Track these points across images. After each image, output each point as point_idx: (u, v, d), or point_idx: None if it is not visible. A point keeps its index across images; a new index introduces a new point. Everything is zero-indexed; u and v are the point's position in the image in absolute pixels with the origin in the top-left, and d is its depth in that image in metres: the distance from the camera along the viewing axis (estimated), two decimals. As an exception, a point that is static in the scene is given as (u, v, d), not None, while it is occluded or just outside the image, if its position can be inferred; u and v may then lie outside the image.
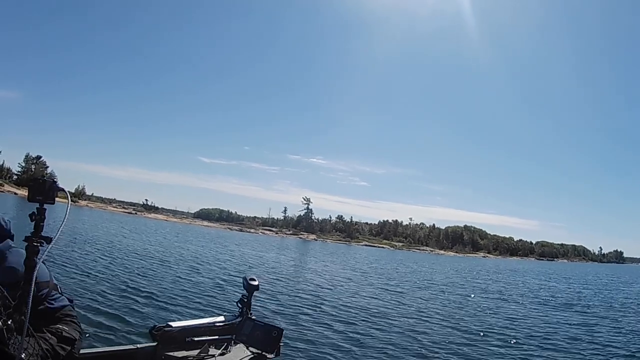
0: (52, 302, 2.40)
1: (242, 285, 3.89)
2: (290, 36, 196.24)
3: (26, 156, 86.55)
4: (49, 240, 1.87)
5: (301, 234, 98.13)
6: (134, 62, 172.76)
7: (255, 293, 3.84)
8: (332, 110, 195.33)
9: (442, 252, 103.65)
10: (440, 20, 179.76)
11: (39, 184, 1.96)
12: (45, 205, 1.96)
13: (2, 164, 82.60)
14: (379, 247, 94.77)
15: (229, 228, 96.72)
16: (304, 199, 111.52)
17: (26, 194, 2.05)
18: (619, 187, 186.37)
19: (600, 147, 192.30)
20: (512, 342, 9.67)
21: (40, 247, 1.83)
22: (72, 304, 2.61)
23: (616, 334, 11.82)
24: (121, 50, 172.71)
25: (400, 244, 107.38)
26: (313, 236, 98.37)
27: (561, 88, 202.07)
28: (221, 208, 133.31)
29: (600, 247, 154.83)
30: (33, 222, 1.93)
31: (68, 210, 1.92)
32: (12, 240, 2.40)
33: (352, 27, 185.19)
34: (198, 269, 15.64)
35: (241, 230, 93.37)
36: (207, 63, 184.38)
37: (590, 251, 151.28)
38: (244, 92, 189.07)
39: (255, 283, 3.82)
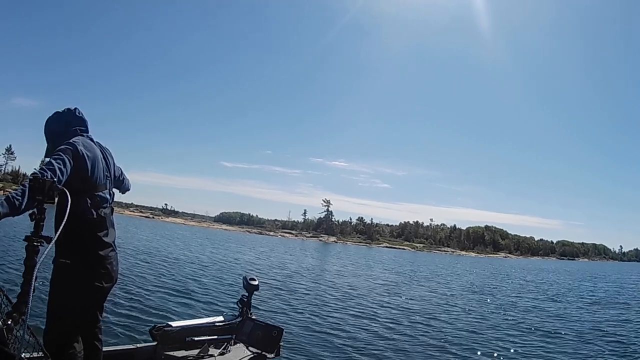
0: None
1: (242, 285, 3.89)
2: (306, 40, 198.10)
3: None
4: (48, 239, 1.86)
5: (321, 237, 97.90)
6: (155, 70, 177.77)
7: (255, 293, 3.84)
8: (352, 112, 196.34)
9: (463, 252, 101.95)
10: (451, 18, 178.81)
11: (39, 184, 1.96)
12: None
13: (18, 170, 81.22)
14: (399, 248, 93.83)
15: (247, 231, 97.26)
16: (324, 201, 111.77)
17: None
18: (638, 184, 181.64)
19: (618, 145, 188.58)
20: (569, 337, 9.66)
21: (40, 247, 1.83)
22: None
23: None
24: (141, 59, 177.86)
25: (421, 245, 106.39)
26: (333, 238, 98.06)
27: (578, 87, 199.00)
28: (242, 212, 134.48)
29: (621, 246, 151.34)
30: (33, 222, 1.90)
31: (68, 211, 1.93)
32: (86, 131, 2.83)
33: (364, 26, 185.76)
34: (201, 270, 15.47)
35: (260, 233, 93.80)
36: (228, 69, 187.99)
37: (610, 249, 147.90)
38: (265, 97, 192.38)
39: (255, 283, 3.83)
